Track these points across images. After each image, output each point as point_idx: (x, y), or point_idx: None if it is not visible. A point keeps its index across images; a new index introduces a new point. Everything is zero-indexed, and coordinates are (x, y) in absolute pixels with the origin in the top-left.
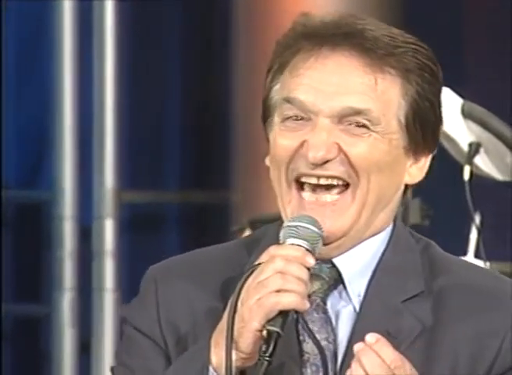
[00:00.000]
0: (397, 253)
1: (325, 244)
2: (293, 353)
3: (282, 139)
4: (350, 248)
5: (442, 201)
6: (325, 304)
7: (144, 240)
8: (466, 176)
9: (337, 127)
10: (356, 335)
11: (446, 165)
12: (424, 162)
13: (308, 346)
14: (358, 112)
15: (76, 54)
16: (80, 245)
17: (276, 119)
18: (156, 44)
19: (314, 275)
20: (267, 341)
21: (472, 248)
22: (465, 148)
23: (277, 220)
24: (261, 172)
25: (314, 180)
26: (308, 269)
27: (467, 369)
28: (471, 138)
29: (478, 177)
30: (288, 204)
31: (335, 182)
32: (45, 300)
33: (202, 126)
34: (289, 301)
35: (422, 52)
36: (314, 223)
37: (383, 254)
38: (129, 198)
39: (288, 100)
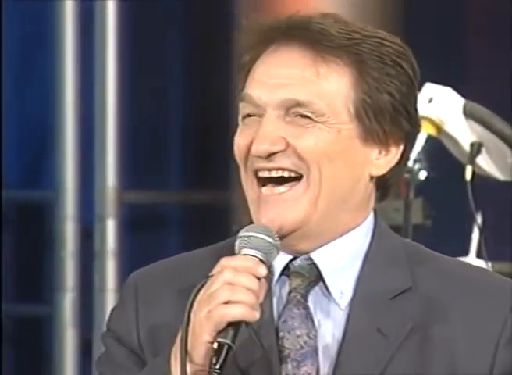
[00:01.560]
0: (382, 249)
1: (287, 236)
2: (272, 349)
3: (238, 138)
4: (326, 243)
5: (445, 202)
6: (305, 300)
7: (145, 240)
8: (468, 176)
9: (284, 120)
10: (347, 334)
11: (448, 165)
12: (395, 154)
13: (289, 342)
14: (299, 104)
15: (77, 54)
16: (82, 245)
17: (239, 119)
18: (158, 44)
19: (294, 272)
20: (217, 353)
21: (474, 248)
22: (467, 148)
23: None
24: None
25: (266, 173)
26: (259, 278)
27: (466, 366)
28: (473, 138)
29: (479, 177)
30: (252, 202)
31: (285, 174)
32: (47, 300)
33: (204, 127)
34: (237, 312)
35: (385, 44)
36: (267, 232)
37: (368, 250)
38: (131, 198)
39: (242, 98)
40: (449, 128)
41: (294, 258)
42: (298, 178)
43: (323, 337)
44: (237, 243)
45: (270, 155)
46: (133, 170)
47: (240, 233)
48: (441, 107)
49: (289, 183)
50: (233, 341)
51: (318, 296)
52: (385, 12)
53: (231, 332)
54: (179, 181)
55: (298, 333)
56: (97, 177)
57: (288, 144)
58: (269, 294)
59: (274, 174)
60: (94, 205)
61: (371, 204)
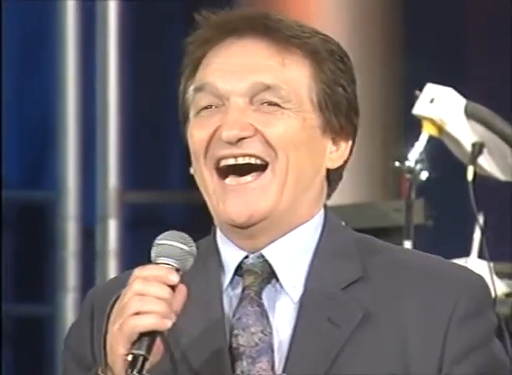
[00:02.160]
0: (332, 242)
1: (249, 227)
2: (224, 347)
3: (197, 130)
4: (278, 238)
5: (446, 202)
6: (260, 298)
7: (147, 240)
8: (469, 176)
9: (250, 108)
10: (298, 326)
11: (449, 165)
12: (345, 149)
13: (243, 339)
14: (267, 88)
15: (79, 54)
16: (84, 245)
17: (191, 114)
18: (159, 44)
19: (247, 270)
20: (131, 364)
21: (476, 248)
22: (469, 148)
23: None
24: None
25: (232, 161)
26: (173, 287)
27: (418, 351)
28: (475, 138)
29: (481, 178)
30: (213, 194)
31: (252, 160)
32: (48, 300)
33: None
34: (148, 322)
35: (331, 42)
36: (182, 239)
37: (318, 244)
38: (133, 198)
39: (199, 88)
40: (450, 128)
41: (246, 257)
42: (263, 167)
43: (278, 332)
44: (152, 251)
45: (238, 141)
46: (134, 170)
47: (155, 242)
48: (442, 107)
49: (255, 173)
50: (148, 352)
51: (271, 292)
52: (385, 12)
53: (145, 343)
54: (181, 181)
55: (253, 330)
56: (98, 178)
57: (256, 131)
58: (220, 292)
59: (240, 161)
60: (95, 206)
61: (324, 198)
